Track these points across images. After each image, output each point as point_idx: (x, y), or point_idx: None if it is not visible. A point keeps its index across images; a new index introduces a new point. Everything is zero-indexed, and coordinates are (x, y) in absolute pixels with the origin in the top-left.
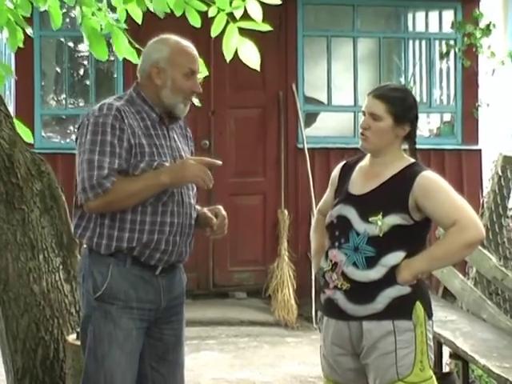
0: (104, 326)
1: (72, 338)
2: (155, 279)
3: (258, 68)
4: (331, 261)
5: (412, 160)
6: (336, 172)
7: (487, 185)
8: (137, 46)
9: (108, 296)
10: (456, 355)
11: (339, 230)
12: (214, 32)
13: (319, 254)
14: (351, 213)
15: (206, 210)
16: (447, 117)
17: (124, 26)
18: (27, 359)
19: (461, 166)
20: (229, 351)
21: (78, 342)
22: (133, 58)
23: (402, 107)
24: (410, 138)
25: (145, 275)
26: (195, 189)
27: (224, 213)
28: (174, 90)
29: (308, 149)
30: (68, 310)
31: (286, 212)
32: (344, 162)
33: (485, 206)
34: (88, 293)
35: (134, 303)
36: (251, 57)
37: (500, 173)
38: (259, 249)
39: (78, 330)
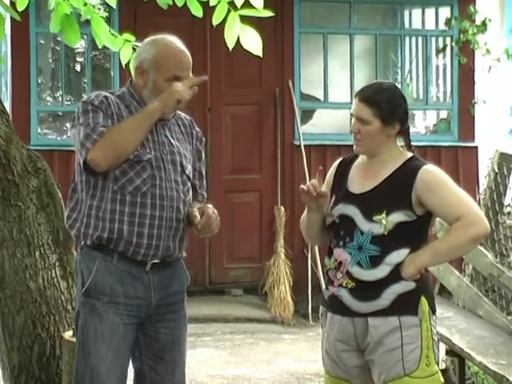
0: (90, 321)
1: (68, 334)
2: (145, 275)
3: (260, 54)
4: (336, 260)
5: (410, 154)
6: (332, 170)
7: (483, 182)
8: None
9: (94, 291)
10: (452, 352)
11: (344, 230)
12: (216, 21)
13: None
14: (354, 212)
15: (194, 208)
16: (444, 114)
17: (104, 14)
18: (23, 356)
19: (457, 163)
20: (225, 348)
21: (74, 339)
22: (113, 46)
23: (388, 108)
24: (404, 133)
25: (133, 271)
26: (188, 184)
27: (210, 212)
28: (153, 92)
29: (304, 146)
30: (64, 306)
31: (282, 209)
32: (340, 160)
33: (481, 202)
34: (78, 289)
35: (120, 298)
36: (253, 44)
37: (496, 170)
38: (255, 246)
39: (74, 326)
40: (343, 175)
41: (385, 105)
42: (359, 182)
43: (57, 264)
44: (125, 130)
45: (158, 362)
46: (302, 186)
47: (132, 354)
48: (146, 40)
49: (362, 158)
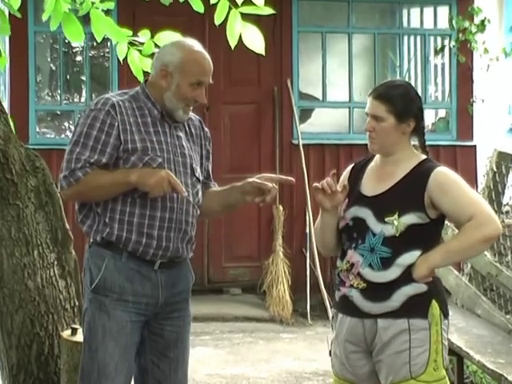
0: (98, 318)
1: (67, 333)
2: (154, 274)
3: (263, 52)
4: (348, 262)
5: (423, 156)
6: (345, 175)
7: (482, 181)
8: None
9: (103, 288)
10: (451, 351)
11: (357, 232)
12: (218, 19)
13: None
14: (367, 214)
15: (250, 180)
16: (442, 113)
17: (109, 4)
18: (22, 355)
19: (456, 162)
20: (223, 347)
21: (73, 338)
22: (117, 37)
23: (402, 104)
24: (418, 132)
25: (142, 269)
26: (197, 186)
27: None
28: (176, 95)
29: (303, 145)
30: (63, 305)
31: (280, 208)
32: (353, 165)
33: None
34: (87, 286)
35: (129, 296)
36: (255, 41)
37: (495, 169)
38: (254, 245)
39: (73, 325)
40: (357, 179)
41: (398, 100)
42: (372, 184)
43: (55, 263)
44: (98, 186)
45: (162, 358)
46: (316, 184)
47: (136, 350)
48: (171, 42)
49: (375, 161)
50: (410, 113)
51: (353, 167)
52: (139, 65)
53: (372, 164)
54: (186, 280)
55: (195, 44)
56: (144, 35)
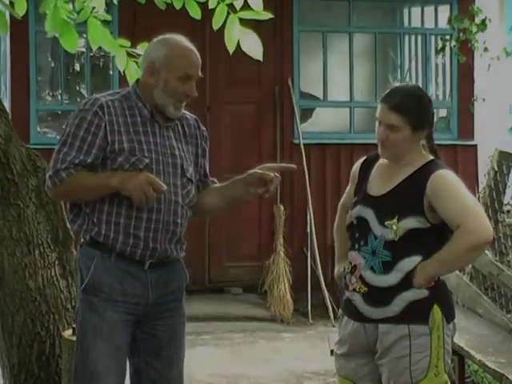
0: (89, 318)
1: (68, 333)
2: (143, 274)
3: (260, 58)
4: (351, 263)
5: (430, 157)
6: (356, 167)
7: (483, 180)
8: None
9: (92, 288)
10: (452, 350)
11: (359, 232)
12: (216, 24)
13: (342, 259)
14: (370, 215)
15: (252, 171)
16: (443, 112)
17: (106, 16)
18: (23, 355)
19: (456, 161)
20: (224, 346)
21: (74, 338)
22: (113, 50)
23: (418, 115)
24: (428, 136)
25: (131, 269)
26: (188, 187)
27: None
28: (165, 91)
29: (304, 144)
30: (64, 305)
31: (281, 208)
32: (364, 158)
33: (480, 201)
34: (78, 286)
35: (118, 296)
36: (253, 47)
37: (496, 168)
38: (255, 244)
39: (74, 325)
40: (365, 176)
41: (415, 112)
42: (377, 183)
43: (56, 263)
44: (82, 188)
45: (155, 358)
46: None
47: (129, 350)
48: (155, 39)
49: (383, 159)
50: (425, 123)
51: (364, 161)
52: (136, 76)
53: (380, 161)
54: (179, 279)
55: (181, 39)
56: (142, 47)
